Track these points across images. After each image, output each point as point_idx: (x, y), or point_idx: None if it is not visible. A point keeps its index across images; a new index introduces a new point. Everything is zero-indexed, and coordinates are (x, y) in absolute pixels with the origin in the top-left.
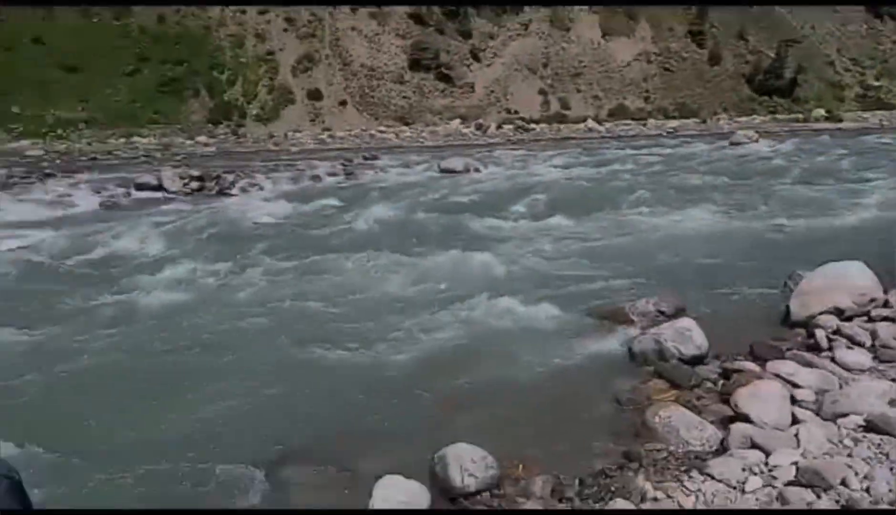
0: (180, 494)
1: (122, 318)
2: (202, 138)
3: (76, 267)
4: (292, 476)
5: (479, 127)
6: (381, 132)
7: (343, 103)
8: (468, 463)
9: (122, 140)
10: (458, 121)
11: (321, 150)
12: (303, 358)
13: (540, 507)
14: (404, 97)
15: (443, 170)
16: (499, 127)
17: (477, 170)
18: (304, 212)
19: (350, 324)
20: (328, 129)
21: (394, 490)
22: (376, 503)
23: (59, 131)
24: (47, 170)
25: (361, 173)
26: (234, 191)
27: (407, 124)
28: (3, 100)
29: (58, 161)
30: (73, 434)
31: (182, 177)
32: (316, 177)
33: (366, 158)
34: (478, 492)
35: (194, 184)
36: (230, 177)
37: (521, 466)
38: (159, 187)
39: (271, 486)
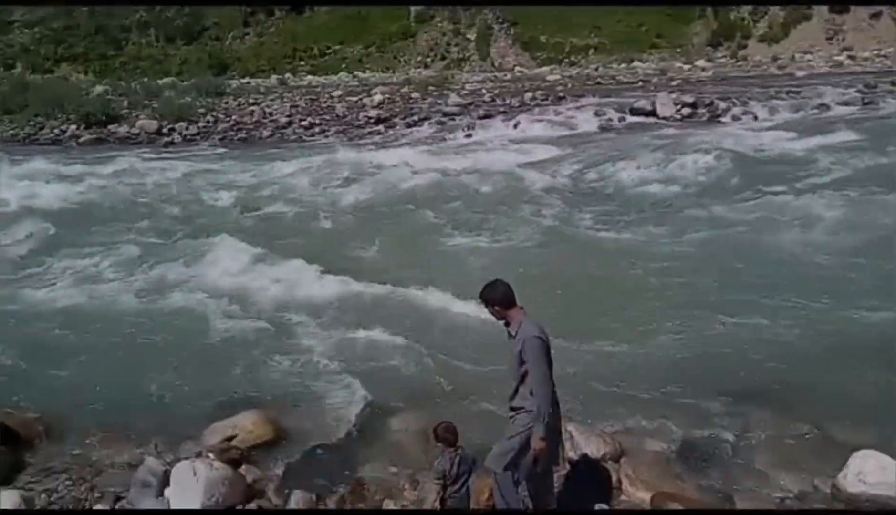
0: None
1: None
2: (700, 62)
3: (569, 188)
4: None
5: None
6: None
7: (876, 15)
8: None
9: (623, 65)
10: None
11: (834, 75)
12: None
13: None
14: None
15: None
16: None
17: None
18: (806, 145)
19: None
20: (848, 49)
21: (871, 466)
22: (849, 475)
23: (573, 57)
24: (560, 94)
25: (884, 102)
26: (725, 119)
27: None
28: (532, 29)
29: (569, 85)
30: None
31: (675, 103)
32: (823, 106)
33: (894, 84)
34: None
35: (685, 111)
36: (723, 104)
37: None
38: (652, 113)
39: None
